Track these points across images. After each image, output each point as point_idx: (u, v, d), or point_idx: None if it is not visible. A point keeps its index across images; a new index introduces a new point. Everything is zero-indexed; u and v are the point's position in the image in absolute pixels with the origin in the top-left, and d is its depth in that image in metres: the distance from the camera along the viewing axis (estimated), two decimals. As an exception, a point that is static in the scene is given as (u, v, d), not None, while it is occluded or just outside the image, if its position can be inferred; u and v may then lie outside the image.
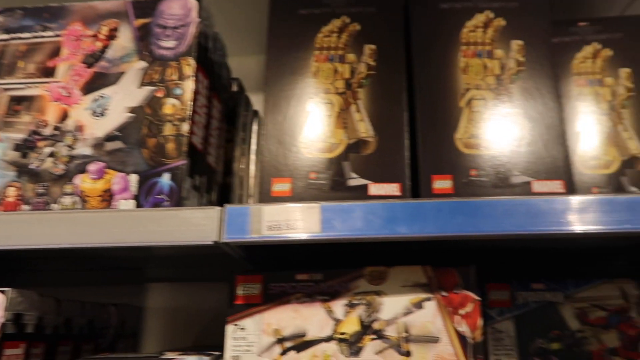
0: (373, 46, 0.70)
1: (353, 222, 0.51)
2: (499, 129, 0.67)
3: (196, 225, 0.52)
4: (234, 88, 0.79)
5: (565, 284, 0.71)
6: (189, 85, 0.59)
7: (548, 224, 0.51)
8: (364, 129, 0.67)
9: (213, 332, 0.93)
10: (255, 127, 0.85)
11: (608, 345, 0.69)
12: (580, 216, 0.52)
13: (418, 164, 0.66)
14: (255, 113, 0.87)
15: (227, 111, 0.78)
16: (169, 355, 0.56)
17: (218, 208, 0.52)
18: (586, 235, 0.52)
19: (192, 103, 0.58)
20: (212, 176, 0.68)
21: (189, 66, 0.58)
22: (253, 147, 0.84)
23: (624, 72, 0.76)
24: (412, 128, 0.68)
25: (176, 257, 0.71)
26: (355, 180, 0.66)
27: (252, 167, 0.84)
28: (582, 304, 0.71)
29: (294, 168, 0.66)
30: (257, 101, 0.92)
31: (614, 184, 0.72)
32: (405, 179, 0.65)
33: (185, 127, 0.58)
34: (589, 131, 0.74)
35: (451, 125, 0.67)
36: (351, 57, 0.69)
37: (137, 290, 0.95)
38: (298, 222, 0.51)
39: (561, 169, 0.65)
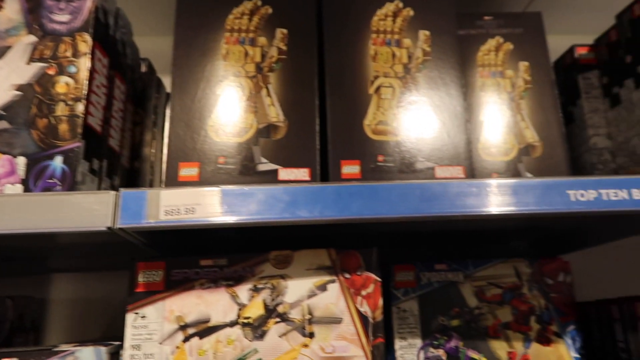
0: (285, 30, 0.69)
1: (254, 206, 0.51)
2: (406, 116, 0.69)
3: (89, 210, 0.49)
4: (143, 69, 0.76)
5: (465, 264, 0.76)
6: (85, 63, 0.55)
7: (442, 207, 0.54)
8: (275, 113, 0.67)
9: (123, 323, 0.90)
10: (168, 111, 0.82)
11: (502, 320, 0.75)
12: (472, 199, 0.55)
13: (328, 149, 0.67)
14: (169, 96, 0.84)
15: (136, 93, 0.75)
16: (63, 347, 0.54)
17: (112, 192, 0.50)
18: (477, 216, 0.55)
19: (88, 82, 0.55)
20: (115, 160, 0.65)
21: (85, 43, 0.55)
22: (166, 131, 0.82)
23: (523, 65, 0.81)
24: (322, 113, 0.69)
25: (77, 245, 0.67)
26: (265, 165, 0.65)
27: (165, 152, 0.82)
28: (480, 282, 0.76)
29: (202, 152, 0.65)
30: (170, 83, 0.89)
31: (512, 170, 0.77)
32: (315, 164, 0.66)
33: (80, 108, 0.54)
34: (491, 120, 0.78)
35: (360, 111, 0.69)
36: (262, 40, 0.68)
37: (40, 281, 0.90)
38: (197, 206, 0.50)
39: (462, 156, 0.69)
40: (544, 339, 0.74)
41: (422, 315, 0.72)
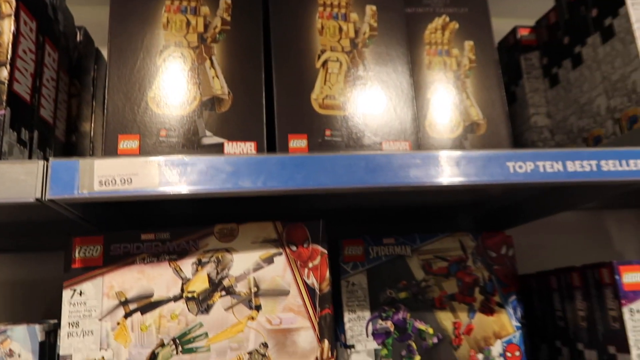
0: (229, 0, 0.67)
1: (195, 176, 0.50)
2: (353, 91, 0.69)
3: (15, 181, 0.46)
4: (79, 38, 0.72)
5: (413, 238, 0.77)
6: (8, 26, 0.52)
7: (386, 178, 0.54)
8: (219, 86, 0.65)
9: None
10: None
11: (448, 291, 0.77)
12: (416, 170, 0.56)
13: (274, 123, 0.66)
14: (110, 69, 0.80)
15: (72, 63, 0.71)
16: (-8, 327, 0.50)
17: (41, 162, 0.47)
18: (421, 187, 0.56)
19: (12, 46, 0.51)
20: (48, 132, 0.62)
21: (8, 3, 0.51)
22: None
23: (468, 44, 0.83)
24: (268, 87, 0.67)
25: (11, 224, 0.63)
26: (210, 139, 0.64)
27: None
28: (427, 255, 0.77)
29: (142, 124, 0.62)
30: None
31: (458, 147, 0.79)
32: (261, 138, 0.65)
33: (4, 73, 0.51)
34: (437, 98, 0.80)
35: (307, 85, 0.68)
36: (205, 9, 0.66)
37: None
38: (134, 176, 0.48)
39: (409, 131, 0.70)
40: (488, 309, 0.77)
41: (371, 289, 0.73)
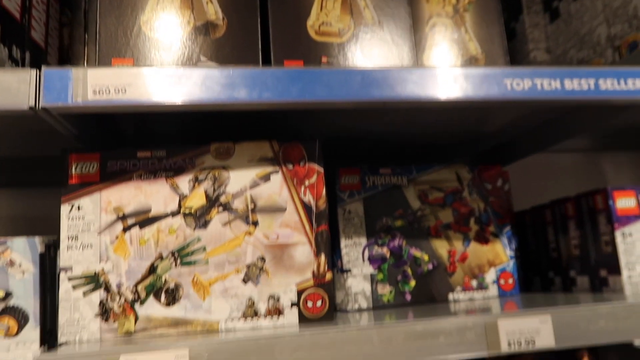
0: None
1: (189, 87, 0.49)
2: (350, 18, 0.68)
3: (7, 89, 0.46)
4: (69, -38, 0.70)
5: (409, 169, 0.77)
6: None
7: (382, 92, 0.54)
8: (213, 11, 0.64)
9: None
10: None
11: (444, 221, 0.77)
12: (412, 85, 0.55)
13: (270, 49, 0.65)
14: None
15: (63, -10, 0.70)
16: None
17: (34, 70, 0.47)
18: (417, 103, 0.55)
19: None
20: (40, 56, 0.61)
21: None
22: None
23: (467, -26, 0.81)
24: (264, 13, 0.66)
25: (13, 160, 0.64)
26: (205, 64, 0.63)
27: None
28: (423, 186, 0.78)
29: (135, 48, 0.61)
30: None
31: (455, 79, 0.78)
32: (257, 64, 0.64)
33: (-8, -17, 0.50)
34: (436, 32, 0.78)
35: (303, 12, 0.67)
36: None
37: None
38: (128, 87, 0.48)
39: (405, 60, 0.69)
40: (482, 239, 0.78)
41: (367, 216, 0.73)
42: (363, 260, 0.72)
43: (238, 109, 0.51)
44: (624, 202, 0.70)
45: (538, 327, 0.51)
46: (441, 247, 0.76)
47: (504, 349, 0.50)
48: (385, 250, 0.73)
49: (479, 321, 0.51)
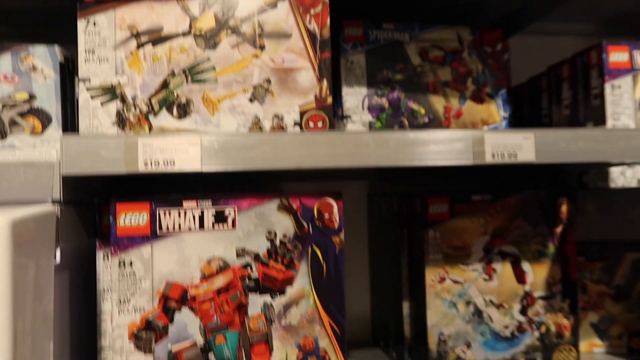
0: None
1: None
2: None
3: None
4: None
5: (412, 26, 0.79)
6: None
7: None
8: None
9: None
10: None
11: (442, 78, 0.80)
12: None
13: None
14: None
15: None
16: (16, 46, 0.54)
17: None
18: None
19: None
20: None
21: None
22: None
23: None
24: None
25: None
26: None
27: None
28: (424, 43, 0.80)
29: None
30: None
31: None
32: None
33: None
34: None
35: None
36: None
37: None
38: None
39: None
40: (478, 98, 0.82)
41: (369, 68, 0.76)
42: (362, 108, 0.75)
43: None
44: (617, 57, 0.72)
45: (521, 143, 0.56)
46: (438, 102, 0.79)
47: (488, 159, 0.55)
48: (384, 101, 0.76)
49: (467, 134, 0.56)
